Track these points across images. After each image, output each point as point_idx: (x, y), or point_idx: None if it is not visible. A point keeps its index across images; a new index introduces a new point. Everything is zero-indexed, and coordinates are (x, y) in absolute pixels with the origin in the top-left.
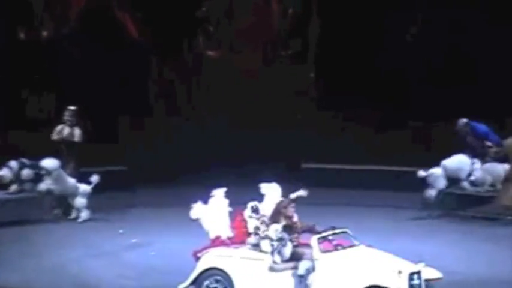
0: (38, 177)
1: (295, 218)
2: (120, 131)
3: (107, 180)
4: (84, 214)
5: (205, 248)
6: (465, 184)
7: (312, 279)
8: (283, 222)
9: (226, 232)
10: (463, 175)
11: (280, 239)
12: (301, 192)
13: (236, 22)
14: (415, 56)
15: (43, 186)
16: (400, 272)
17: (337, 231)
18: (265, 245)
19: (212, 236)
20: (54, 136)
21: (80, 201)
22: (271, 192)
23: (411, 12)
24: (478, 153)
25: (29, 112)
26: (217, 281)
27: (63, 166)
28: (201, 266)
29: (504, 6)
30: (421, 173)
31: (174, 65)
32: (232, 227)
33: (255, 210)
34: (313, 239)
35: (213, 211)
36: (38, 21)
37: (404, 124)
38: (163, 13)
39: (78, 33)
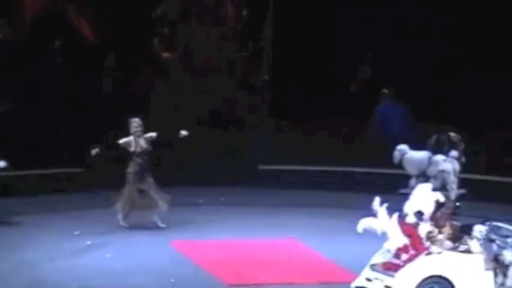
0: None
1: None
2: (78, 133)
3: (63, 182)
4: None
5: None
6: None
7: None
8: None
9: (403, 240)
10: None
11: (484, 239)
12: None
13: (191, 24)
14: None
15: None
16: None
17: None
18: (475, 245)
19: (397, 245)
20: (137, 148)
21: None
22: (423, 192)
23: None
24: None
25: None
26: None
27: (143, 174)
28: (418, 276)
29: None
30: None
31: (131, 65)
32: (407, 235)
33: (421, 215)
34: None
35: (384, 222)
36: None
37: (358, 126)
38: (119, 15)
39: (33, 37)
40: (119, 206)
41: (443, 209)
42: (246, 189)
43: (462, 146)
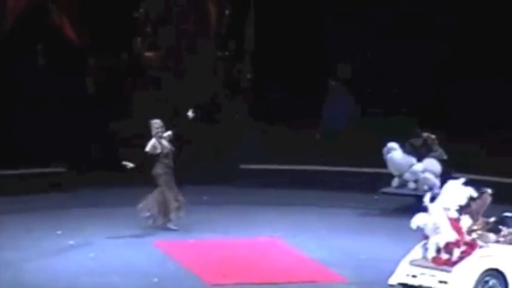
0: None
1: None
2: (59, 132)
3: (48, 182)
4: None
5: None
6: (411, 185)
7: None
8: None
9: (454, 235)
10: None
11: None
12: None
13: (173, 23)
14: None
15: None
16: None
17: None
18: None
19: (449, 240)
20: (164, 150)
21: None
22: (455, 187)
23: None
24: None
25: None
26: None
27: (171, 174)
28: (477, 269)
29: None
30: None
31: (113, 65)
32: (454, 229)
33: (461, 210)
34: None
35: (436, 217)
36: None
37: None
38: (101, 14)
39: (15, 37)
40: (144, 206)
41: (477, 203)
42: (228, 188)
43: (437, 145)
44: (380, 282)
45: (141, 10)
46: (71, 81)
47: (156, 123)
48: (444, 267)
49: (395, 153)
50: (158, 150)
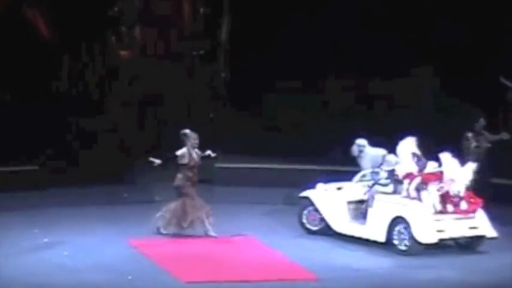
0: None
1: None
2: (33, 131)
3: (19, 180)
4: None
5: None
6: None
7: None
8: None
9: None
10: None
11: None
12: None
13: (148, 22)
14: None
15: None
16: None
17: None
18: None
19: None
20: (191, 162)
21: None
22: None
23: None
24: None
25: None
26: None
27: (191, 187)
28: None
29: None
30: None
31: (86, 64)
32: None
33: None
34: None
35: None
36: None
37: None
38: (75, 12)
39: None
40: (162, 215)
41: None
42: (203, 186)
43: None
44: (349, 278)
45: (116, 9)
46: (43, 79)
47: (194, 134)
48: (468, 215)
49: (369, 148)
50: (185, 161)
